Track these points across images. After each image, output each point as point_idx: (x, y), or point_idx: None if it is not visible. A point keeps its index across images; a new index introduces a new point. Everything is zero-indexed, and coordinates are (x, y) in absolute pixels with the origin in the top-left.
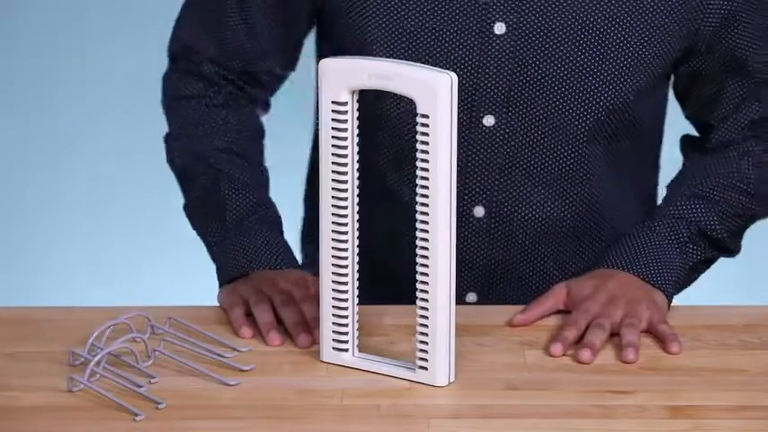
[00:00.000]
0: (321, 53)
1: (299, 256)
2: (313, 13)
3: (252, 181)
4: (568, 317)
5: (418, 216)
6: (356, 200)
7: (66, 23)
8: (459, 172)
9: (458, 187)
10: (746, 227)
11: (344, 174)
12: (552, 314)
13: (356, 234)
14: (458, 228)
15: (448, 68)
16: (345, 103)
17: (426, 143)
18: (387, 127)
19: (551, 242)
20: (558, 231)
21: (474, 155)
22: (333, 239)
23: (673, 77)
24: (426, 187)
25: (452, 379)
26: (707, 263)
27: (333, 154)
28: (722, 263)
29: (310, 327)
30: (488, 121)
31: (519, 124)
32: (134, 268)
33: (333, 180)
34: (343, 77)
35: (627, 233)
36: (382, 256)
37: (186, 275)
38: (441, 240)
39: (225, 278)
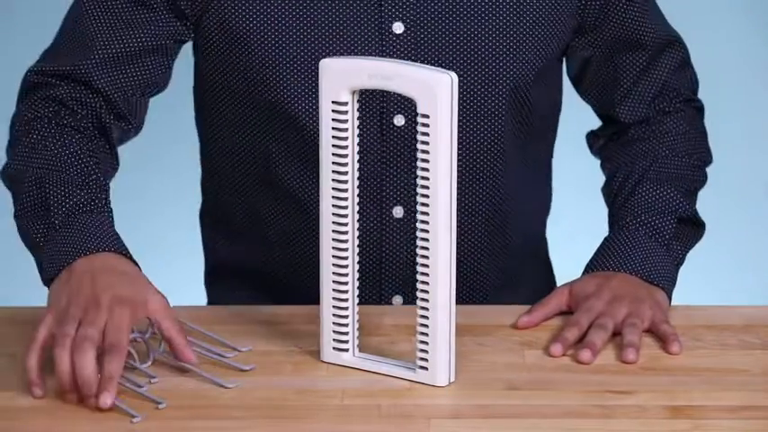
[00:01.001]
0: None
1: (203, 299)
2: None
3: (82, 180)
4: (571, 316)
5: (419, 216)
6: (356, 199)
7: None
8: (374, 174)
9: (375, 189)
10: (696, 199)
11: (345, 174)
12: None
13: (356, 234)
14: (378, 229)
15: None
16: (346, 103)
17: (427, 143)
18: (301, 128)
19: (471, 235)
20: (475, 223)
21: (387, 155)
22: (333, 239)
23: (566, 64)
24: (427, 187)
25: (452, 379)
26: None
27: (333, 154)
28: (722, 263)
29: (103, 385)
30: (399, 120)
31: None
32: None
33: (333, 180)
34: (344, 77)
35: (607, 236)
36: (278, 257)
37: (186, 276)
38: (441, 240)
39: (47, 275)
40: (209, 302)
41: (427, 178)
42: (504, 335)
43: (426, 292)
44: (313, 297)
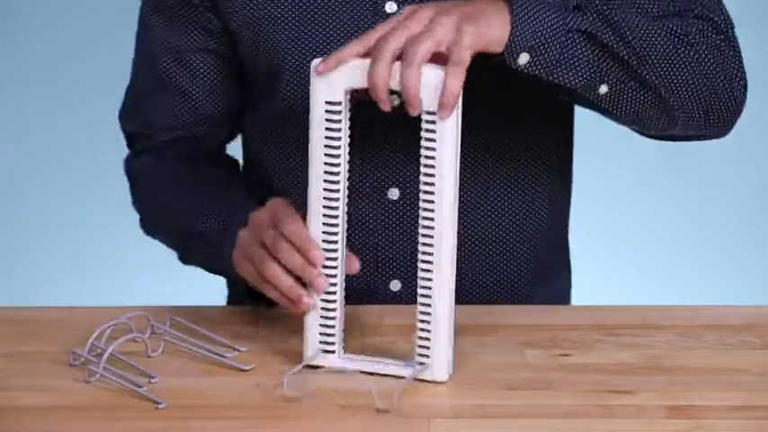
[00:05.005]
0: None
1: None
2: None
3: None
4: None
5: (421, 212)
6: (346, 200)
7: (68, 21)
8: (372, 154)
9: (373, 170)
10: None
11: (337, 174)
12: (552, 314)
13: (345, 234)
14: (373, 211)
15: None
16: (339, 103)
17: (432, 140)
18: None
19: (469, 218)
20: (472, 206)
21: (388, 136)
22: (324, 240)
23: None
24: (431, 184)
25: (451, 371)
26: (600, 48)
27: (326, 154)
28: (722, 263)
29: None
30: (395, 101)
31: None
32: (135, 268)
33: (325, 181)
34: (340, 76)
35: None
36: None
37: (187, 276)
38: (445, 238)
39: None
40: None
41: (432, 175)
42: (504, 335)
43: (429, 288)
44: None
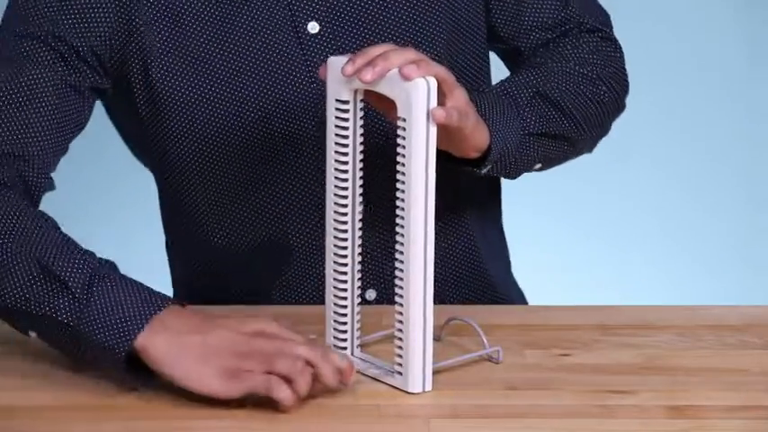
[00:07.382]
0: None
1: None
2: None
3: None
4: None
5: (397, 220)
6: (359, 190)
7: None
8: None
9: None
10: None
11: (345, 172)
12: (552, 314)
13: (358, 232)
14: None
15: (264, 73)
16: (347, 102)
17: (404, 146)
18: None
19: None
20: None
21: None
22: (334, 237)
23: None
24: (403, 191)
25: (428, 387)
26: (546, 138)
27: (336, 152)
28: (722, 263)
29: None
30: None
31: None
32: (134, 268)
33: (335, 178)
34: (345, 77)
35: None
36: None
37: None
38: (415, 245)
39: (124, 345)
40: None
41: (403, 182)
42: (504, 335)
43: (401, 297)
44: None
